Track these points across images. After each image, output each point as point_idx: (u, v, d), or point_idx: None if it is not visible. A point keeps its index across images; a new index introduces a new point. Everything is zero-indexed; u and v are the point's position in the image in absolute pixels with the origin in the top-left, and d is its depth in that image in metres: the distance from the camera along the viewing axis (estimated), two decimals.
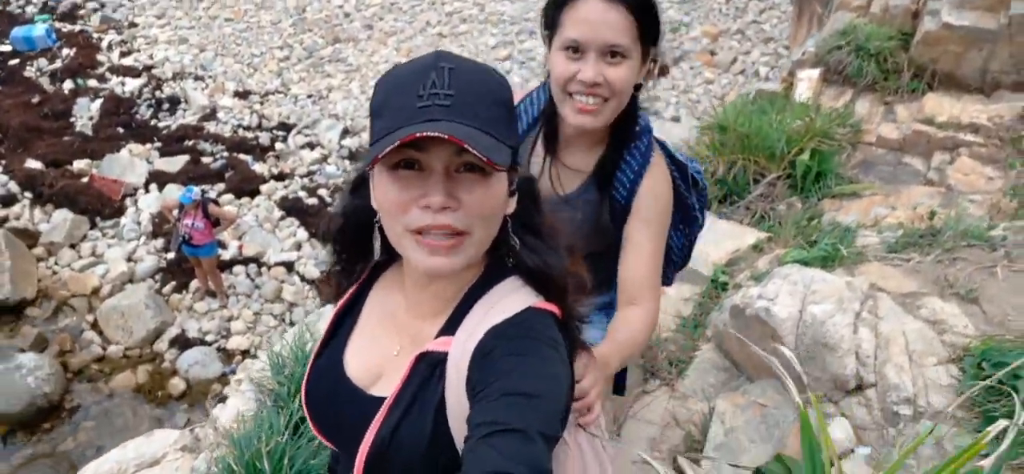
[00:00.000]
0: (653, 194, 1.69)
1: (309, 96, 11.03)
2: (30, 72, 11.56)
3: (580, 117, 1.60)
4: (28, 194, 8.70)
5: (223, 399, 3.35)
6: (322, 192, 9.15)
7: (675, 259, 2.02)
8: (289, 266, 8.07)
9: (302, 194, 9.11)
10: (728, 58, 10.31)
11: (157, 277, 7.94)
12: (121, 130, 10.18)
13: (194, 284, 7.73)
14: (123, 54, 12.18)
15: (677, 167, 1.82)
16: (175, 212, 7.26)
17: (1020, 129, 4.71)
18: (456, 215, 1.01)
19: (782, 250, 3.56)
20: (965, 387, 2.33)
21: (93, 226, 8.49)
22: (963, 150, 4.75)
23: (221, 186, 9.07)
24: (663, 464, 1.28)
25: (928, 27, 5.30)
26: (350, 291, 1.27)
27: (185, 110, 10.75)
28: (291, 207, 8.86)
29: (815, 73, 5.51)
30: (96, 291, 7.73)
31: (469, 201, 1.01)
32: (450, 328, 1.10)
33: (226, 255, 8.04)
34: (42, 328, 7.34)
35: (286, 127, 10.41)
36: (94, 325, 7.41)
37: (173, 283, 7.81)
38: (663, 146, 1.80)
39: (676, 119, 9.01)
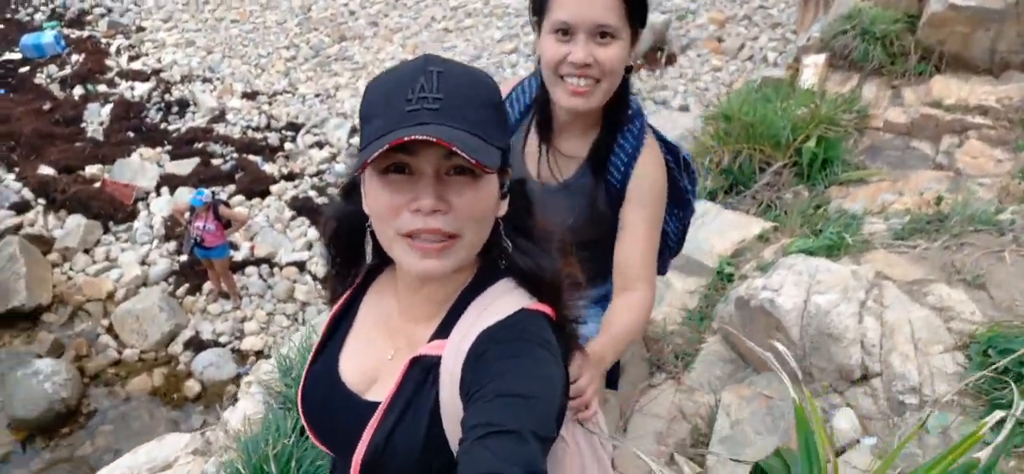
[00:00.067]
0: (648, 177, 1.70)
1: (317, 95, 11.06)
2: (41, 79, 11.67)
3: (573, 99, 1.61)
4: (42, 200, 8.78)
5: (236, 401, 3.38)
6: (332, 191, 9.18)
7: (671, 245, 2.02)
8: (301, 266, 8.10)
9: (312, 193, 9.15)
10: (735, 44, 10.24)
11: (170, 280, 8.00)
12: (131, 134, 10.26)
13: (207, 286, 7.78)
14: (131, 59, 12.27)
15: (669, 150, 1.83)
16: (186, 215, 7.30)
17: None
18: (447, 218, 1.01)
19: (788, 240, 3.55)
20: (971, 375, 2.32)
21: (106, 231, 8.56)
22: (972, 133, 4.70)
23: (231, 187, 9.12)
24: (658, 463, 1.29)
25: (934, 8, 5.24)
26: (345, 295, 1.28)
27: (194, 113, 10.81)
28: (301, 207, 8.90)
29: (821, 58, 5.46)
30: (111, 295, 7.80)
31: (459, 204, 1.02)
32: (443, 331, 1.11)
33: (238, 256, 8.09)
34: (58, 333, 7.41)
35: (295, 127, 10.45)
36: (109, 329, 7.47)
37: (186, 285, 7.87)
38: (653, 130, 1.81)
39: (685, 108, 8.95)
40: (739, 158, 4.42)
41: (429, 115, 0.98)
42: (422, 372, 1.09)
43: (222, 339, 7.35)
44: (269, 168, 9.59)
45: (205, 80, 11.56)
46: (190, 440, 2.95)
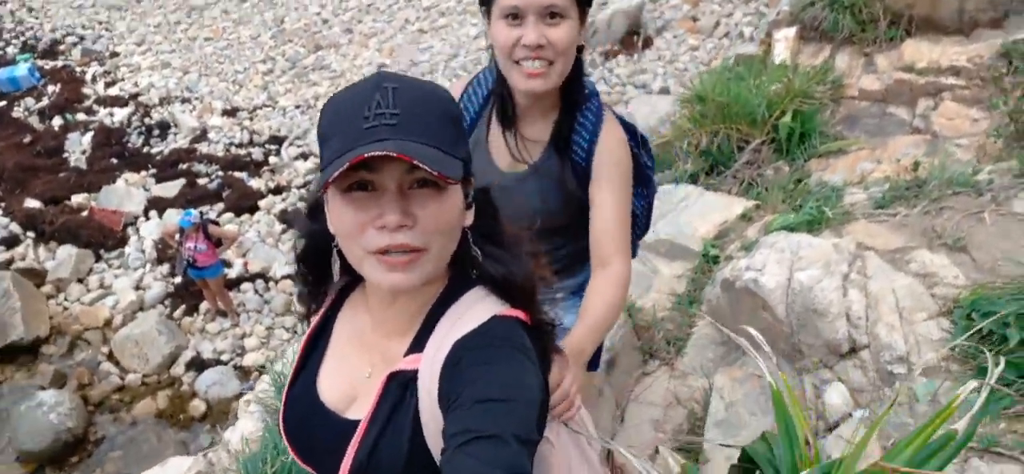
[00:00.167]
0: (611, 151, 1.73)
1: (297, 106, 11.02)
2: (18, 112, 11.56)
3: (530, 82, 1.64)
4: (30, 233, 8.74)
5: (237, 419, 3.41)
6: (300, 205, 9.18)
7: (639, 225, 2.05)
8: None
9: (301, 205, 9.13)
10: (710, 23, 10.23)
11: (167, 302, 7.99)
12: (115, 160, 10.20)
13: (204, 306, 7.79)
14: (108, 85, 12.17)
15: (625, 127, 1.85)
16: (176, 237, 7.29)
17: (1000, 67, 4.71)
18: (413, 233, 1.02)
19: (771, 217, 3.60)
20: (956, 339, 2.37)
21: (98, 258, 8.54)
22: (946, 94, 4.76)
23: (220, 206, 9.10)
24: (644, 462, 1.33)
25: None
26: (319, 314, 1.30)
27: (176, 134, 10.76)
28: (291, 219, 8.91)
29: (791, 32, 5.51)
30: (108, 322, 7.78)
31: (424, 217, 1.03)
32: (418, 345, 1.12)
33: (232, 273, 8.09)
34: (59, 364, 7.39)
35: (278, 140, 10.43)
36: (110, 356, 7.47)
37: (183, 307, 7.86)
38: (610, 108, 1.84)
39: (665, 90, 8.95)
40: (717, 139, 4.46)
41: (387, 131, 0.99)
42: (400, 387, 1.10)
43: (223, 357, 7.35)
44: (256, 183, 9.57)
45: (184, 100, 11.50)
46: (193, 463, 2.99)
